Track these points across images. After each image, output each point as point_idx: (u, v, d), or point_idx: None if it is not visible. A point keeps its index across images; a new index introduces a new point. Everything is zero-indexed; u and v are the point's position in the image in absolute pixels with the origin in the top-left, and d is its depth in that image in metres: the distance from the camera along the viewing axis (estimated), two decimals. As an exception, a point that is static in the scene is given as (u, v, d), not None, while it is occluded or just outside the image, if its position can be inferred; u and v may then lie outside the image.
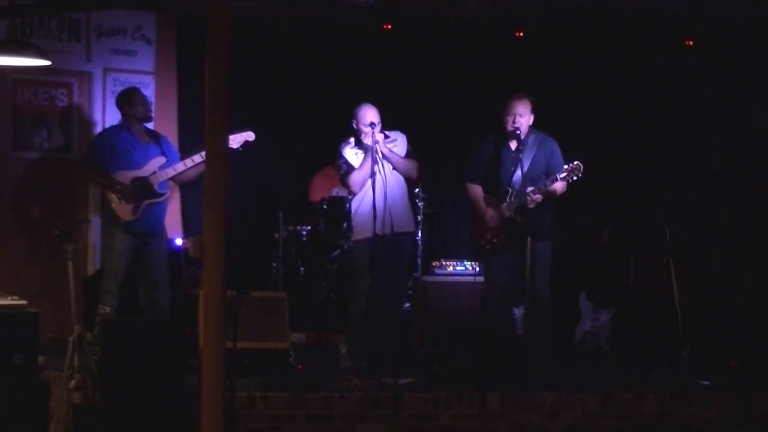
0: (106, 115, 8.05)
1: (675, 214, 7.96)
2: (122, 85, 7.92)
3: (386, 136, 6.93)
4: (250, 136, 7.06)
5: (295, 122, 8.94)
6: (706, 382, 6.79)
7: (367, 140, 6.83)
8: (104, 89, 8.12)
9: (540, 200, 6.74)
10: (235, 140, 6.94)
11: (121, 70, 8.20)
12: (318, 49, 8.81)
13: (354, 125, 6.94)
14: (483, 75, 8.96)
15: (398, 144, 7.00)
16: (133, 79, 8.12)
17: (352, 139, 7.00)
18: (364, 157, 6.86)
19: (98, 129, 7.97)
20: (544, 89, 7.93)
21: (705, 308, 7.89)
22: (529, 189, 6.70)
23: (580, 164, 6.66)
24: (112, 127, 7.41)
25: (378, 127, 6.86)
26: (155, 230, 7.12)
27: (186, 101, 8.38)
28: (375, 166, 6.80)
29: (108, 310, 6.94)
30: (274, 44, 8.75)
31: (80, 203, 7.97)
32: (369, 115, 6.88)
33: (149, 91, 8.08)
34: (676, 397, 6.52)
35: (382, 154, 6.85)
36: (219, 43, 3.14)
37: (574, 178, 6.69)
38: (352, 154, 6.98)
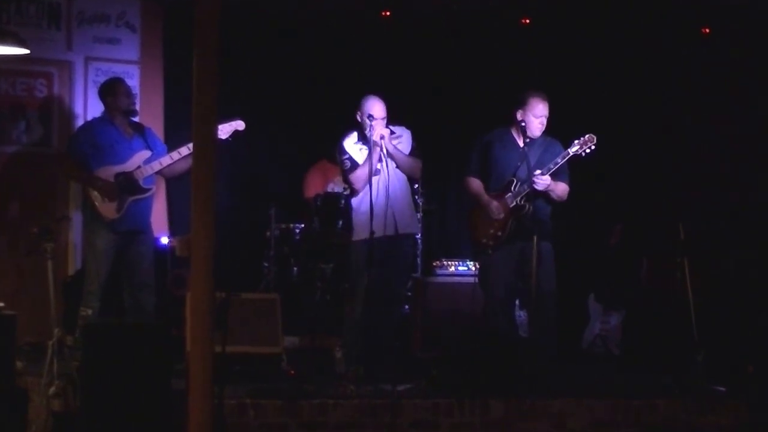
0: (88, 107, 8.05)
1: (689, 210, 7.96)
2: (105, 75, 7.92)
3: (391, 132, 6.91)
4: (239, 125, 7.04)
5: (289, 113, 8.93)
6: (722, 389, 6.80)
7: (374, 135, 6.80)
8: (86, 79, 8.12)
9: (548, 183, 6.73)
10: (224, 130, 6.92)
11: (103, 59, 8.20)
12: (313, 36, 8.80)
13: (359, 117, 6.91)
14: (486, 65, 8.96)
15: (403, 141, 6.99)
16: (117, 69, 8.12)
17: (354, 133, 6.96)
18: (369, 153, 6.83)
19: (80, 121, 7.97)
20: (550, 80, 7.93)
21: (721, 310, 7.88)
22: (537, 172, 6.69)
23: (593, 135, 6.66)
24: (94, 120, 7.39)
25: (383, 122, 6.84)
26: (141, 228, 7.11)
27: (172, 91, 8.39)
28: (379, 163, 6.80)
29: (90, 312, 6.93)
30: (266, 31, 8.75)
31: (60, 199, 7.98)
32: (375, 107, 6.86)
33: (134, 82, 8.09)
34: (690, 405, 6.52)
35: (387, 151, 6.84)
36: (208, 30, 3.13)
37: (587, 150, 6.68)
38: (355, 149, 6.95)
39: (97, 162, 7.00)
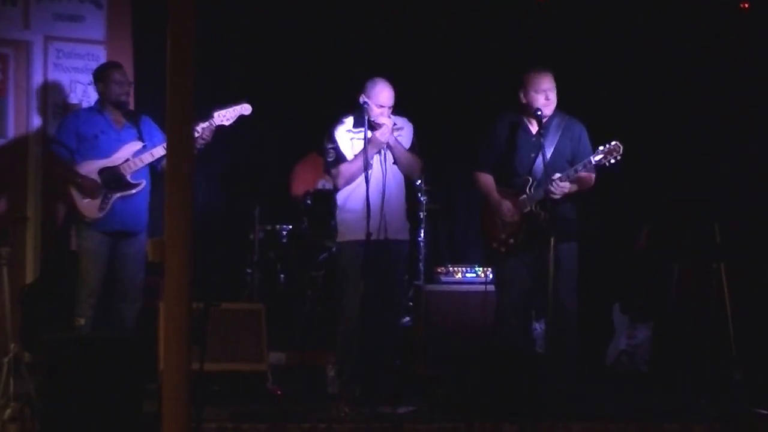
0: (49, 93, 8.03)
1: (726, 209, 7.95)
2: (67, 57, 7.92)
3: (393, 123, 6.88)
4: (246, 109, 6.97)
5: (275, 101, 8.91)
6: (765, 411, 6.79)
7: (382, 122, 6.73)
8: (46, 61, 8.09)
9: (567, 190, 6.72)
10: (228, 116, 6.90)
11: (65, 39, 8.17)
12: (303, 14, 8.78)
13: (363, 101, 6.81)
14: (498, 46, 8.95)
15: (403, 134, 6.95)
16: (81, 50, 8.10)
17: (350, 119, 6.91)
18: (365, 144, 6.68)
19: (38, 109, 7.95)
20: (569, 64, 7.91)
21: (763, 322, 7.89)
22: (556, 176, 6.68)
23: (619, 144, 6.63)
24: (84, 108, 7.41)
25: (389, 111, 6.81)
26: (133, 228, 7.05)
27: (143, 76, 8.34)
28: (376, 156, 6.77)
29: (82, 321, 6.89)
30: (249, 7, 8.73)
31: (18, 197, 7.96)
32: (383, 94, 6.77)
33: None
34: (729, 429, 6.51)
35: (388, 143, 6.82)
36: (183, 6, 3.13)
37: (612, 161, 6.67)
38: (346, 138, 6.89)
39: (81, 156, 6.99)
